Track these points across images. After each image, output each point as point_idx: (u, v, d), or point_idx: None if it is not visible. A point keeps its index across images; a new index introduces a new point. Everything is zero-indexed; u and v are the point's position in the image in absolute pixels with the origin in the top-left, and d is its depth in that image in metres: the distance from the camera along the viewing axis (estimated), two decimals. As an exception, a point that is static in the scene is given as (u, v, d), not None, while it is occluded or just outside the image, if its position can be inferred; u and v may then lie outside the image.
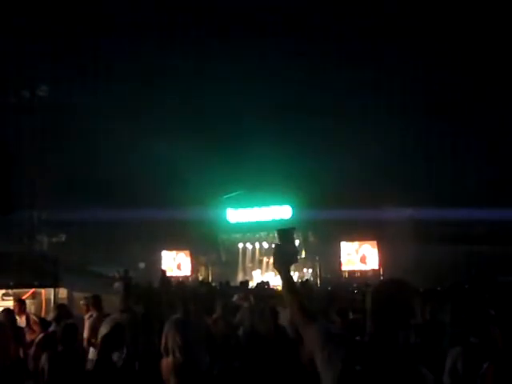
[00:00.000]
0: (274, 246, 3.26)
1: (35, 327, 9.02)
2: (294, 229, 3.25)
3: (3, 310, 8.85)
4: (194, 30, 30.82)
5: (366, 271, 32.70)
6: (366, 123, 30.61)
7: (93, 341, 8.36)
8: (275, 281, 30.02)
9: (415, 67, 29.76)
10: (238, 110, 31.48)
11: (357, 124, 30.41)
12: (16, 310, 9.48)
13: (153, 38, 29.84)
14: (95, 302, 9.25)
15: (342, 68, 31.05)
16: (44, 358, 7.09)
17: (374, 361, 2.68)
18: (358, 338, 3.14)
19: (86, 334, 8.61)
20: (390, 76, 29.77)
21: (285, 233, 3.22)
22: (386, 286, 2.93)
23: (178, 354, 7.82)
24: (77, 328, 7.75)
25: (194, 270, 35.22)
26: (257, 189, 33.17)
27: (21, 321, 9.34)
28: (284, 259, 3.19)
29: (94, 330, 8.46)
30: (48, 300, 12.46)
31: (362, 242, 33.25)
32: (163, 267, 29.71)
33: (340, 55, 31.13)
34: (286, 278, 3.17)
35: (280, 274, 3.19)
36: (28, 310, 10.22)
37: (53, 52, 26.78)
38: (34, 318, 9.48)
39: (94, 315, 9.00)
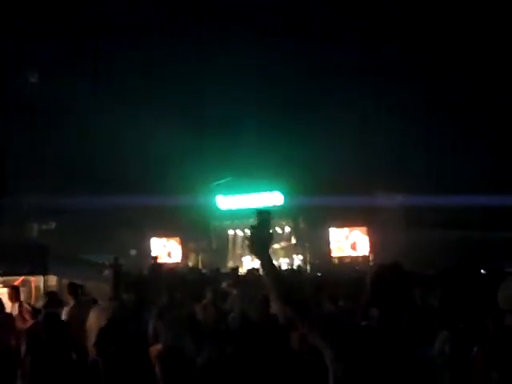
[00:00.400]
0: (249, 229, 3.08)
1: (27, 316, 8.88)
2: (270, 212, 3.09)
3: None
4: (187, 18, 30.77)
5: (356, 257, 32.80)
6: (356, 110, 30.60)
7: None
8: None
9: (406, 58, 29.79)
10: (228, 96, 31.45)
11: (348, 111, 30.40)
12: (10, 297, 9.39)
13: (150, 29, 29.76)
14: (72, 290, 9.07)
15: (337, 58, 31.08)
16: (23, 346, 7.11)
17: (387, 346, 2.69)
18: (364, 323, 3.10)
19: None
20: (385, 65, 29.81)
21: (263, 215, 3.08)
22: (386, 271, 2.92)
23: (161, 341, 7.88)
24: (59, 316, 7.74)
25: (184, 256, 35.24)
26: (247, 175, 33.17)
27: (12, 308, 9.25)
28: (261, 243, 3.02)
29: (71, 318, 8.39)
30: (38, 288, 12.44)
31: (352, 228, 33.34)
32: (154, 254, 29.72)
33: (332, 47, 31.14)
34: (268, 263, 2.99)
35: (260, 258, 3.01)
36: (19, 297, 10.15)
37: (46, 40, 26.69)
38: (27, 306, 9.35)
39: (71, 303, 8.88)
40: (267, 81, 31.78)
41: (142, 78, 30.49)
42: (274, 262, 3.03)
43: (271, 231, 3.09)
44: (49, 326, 7.18)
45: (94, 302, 9.35)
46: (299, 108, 32.59)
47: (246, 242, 2.99)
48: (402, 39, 28.84)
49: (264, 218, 3.05)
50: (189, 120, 31.38)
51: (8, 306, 9.12)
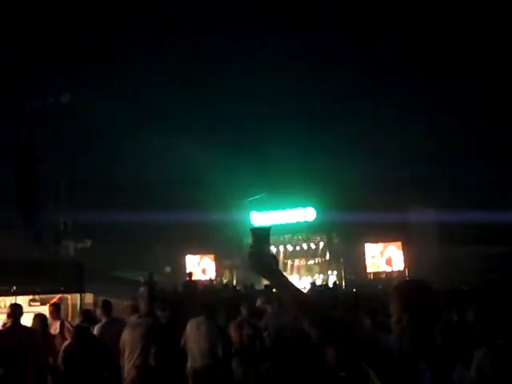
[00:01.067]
0: (249, 248, 2.78)
1: (67, 335, 8.90)
2: (270, 228, 2.83)
3: (36, 316, 8.75)
4: (220, 33, 31.01)
5: (391, 273, 32.49)
6: (390, 125, 30.51)
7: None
8: (300, 284, 29.97)
9: (433, 72, 29.66)
10: (262, 113, 31.55)
11: (381, 126, 30.35)
12: (52, 315, 9.44)
13: (185, 51, 30.07)
14: (105, 308, 9.15)
15: (365, 71, 31.07)
16: (60, 362, 7.20)
17: (419, 363, 2.65)
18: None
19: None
20: (414, 78, 29.71)
21: (261, 232, 2.82)
22: (414, 289, 2.89)
23: (192, 358, 7.94)
24: (89, 330, 7.80)
25: (219, 273, 35.25)
26: (280, 191, 33.09)
27: (53, 326, 9.25)
28: (266, 262, 2.75)
29: (103, 335, 8.45)
30: (74, 305, 12.55)
31: (386, 244, 33.06)
32: (188, 271, 29.81)
33: (360, 59, 31.13)
34: (278, 282, 2.74)
35: (267, 278, 2.79)
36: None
37: (77, 58, 27.11)
38: (69, 325, 9.35)
39: (103, 320, 8.94)
40: (302, 96, 31.86)
41: (176, 95, 30.70)
42: (295, 280, 2.76)
43: (271, 249, 2.84)
44: (79, 340, 7.25)
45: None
46: (333, 124, 32.55)
47: (248, 262, 2.79)
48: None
49: (260, 236, 2.81)
50: (223, 137, 31.56)
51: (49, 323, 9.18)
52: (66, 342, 8.07)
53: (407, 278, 29.17)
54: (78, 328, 7.67)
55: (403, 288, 2.93)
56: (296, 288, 2.75)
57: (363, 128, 29.88)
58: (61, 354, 7.53)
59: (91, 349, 7.31)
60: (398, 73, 30.14)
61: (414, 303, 2.79)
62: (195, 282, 24.58)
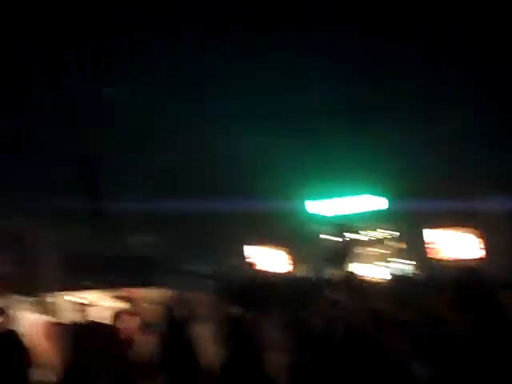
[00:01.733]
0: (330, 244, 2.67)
1: (144, 331, 8.93)
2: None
3: (114, 312, 8.90)
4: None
5: (463, 261, 31.93)
6: (460, 109, 29.91)
7: None
8: (371, 273, 29.65)
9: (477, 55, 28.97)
10: (320, 96, 31.22)
11: (454, 113, 29.77)
12: (130, 310, 9.52)
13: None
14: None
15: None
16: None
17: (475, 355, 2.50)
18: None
19: None
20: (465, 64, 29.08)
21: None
22: (467, 277, 2.73)
23: (283, 351, 7.89)
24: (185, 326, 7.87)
25: (286, 264, 35.18)
26: (344, 179, 32.71)
27: (131, 323, 9.25)
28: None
29: None
30: (143, 299, 12.59)
31: (458, 231, 32.48)
32: (252, 262, 29.81)
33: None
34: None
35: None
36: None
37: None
38: (142, 320, 9.40)
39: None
40: (355, 78, 31.44)
41: (236, 81, 30.62)
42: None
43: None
44: (174, 335, 7.36)
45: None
46: (396, 110, 32.08)
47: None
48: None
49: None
50: (279, 123, 31.31)
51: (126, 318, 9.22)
52: (156, 338, 8.17)
53: (478, 267, 28.67)
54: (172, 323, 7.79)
55: (456, 279, 2.78)
56: None
57: (433, 112, 29.35)
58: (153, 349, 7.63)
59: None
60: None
61: (464, 293, 2.64)
62: (264, 272, 24.60)
